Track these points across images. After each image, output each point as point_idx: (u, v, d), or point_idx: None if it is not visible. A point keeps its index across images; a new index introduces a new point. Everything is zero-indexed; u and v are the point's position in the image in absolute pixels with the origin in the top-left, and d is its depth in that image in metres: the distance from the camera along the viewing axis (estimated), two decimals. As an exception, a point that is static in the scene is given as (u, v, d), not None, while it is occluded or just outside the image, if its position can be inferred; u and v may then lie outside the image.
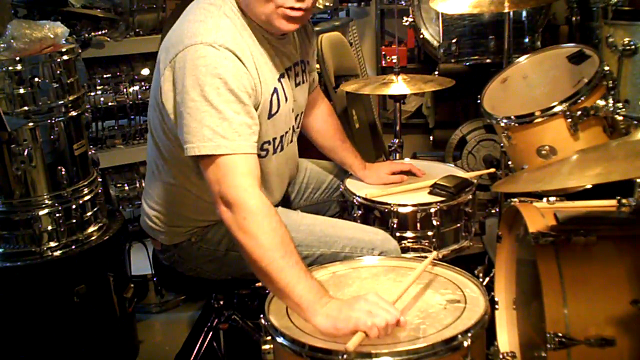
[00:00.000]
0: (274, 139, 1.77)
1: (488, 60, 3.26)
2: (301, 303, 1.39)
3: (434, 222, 1.97)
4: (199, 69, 1.52)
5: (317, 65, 3.46)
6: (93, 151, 2.46)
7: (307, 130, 2.13)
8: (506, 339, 1.86)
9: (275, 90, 1.71)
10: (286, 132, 1.82)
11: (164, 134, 1.71)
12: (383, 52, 4.72)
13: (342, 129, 2.20)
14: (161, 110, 1.65)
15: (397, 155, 2.70)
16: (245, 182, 1.50)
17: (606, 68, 1.87)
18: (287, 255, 1.44)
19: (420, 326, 1.35)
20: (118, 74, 3.08)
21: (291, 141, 1.89)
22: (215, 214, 1.61)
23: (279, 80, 1.73)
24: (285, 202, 2.07)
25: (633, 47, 1.76)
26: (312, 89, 2.07)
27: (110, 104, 3.03)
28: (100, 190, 2.40)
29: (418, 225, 1.98)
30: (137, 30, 3.07)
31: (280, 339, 1.34)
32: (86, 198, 2.29)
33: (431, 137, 4.32)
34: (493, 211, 2.87)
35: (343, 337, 1.32)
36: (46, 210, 2.19)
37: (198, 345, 2.33)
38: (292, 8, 1.61)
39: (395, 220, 1.96)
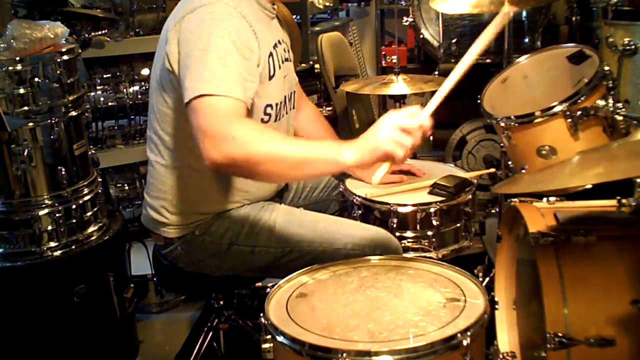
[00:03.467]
0: (277, 104, 1.82)
1: (488, 60, 3.25)
2: (325, 154, 1.48)
3: (434, 222, 1.97)
4: (206, 21, 1.60)
5: (317, 66, 3.47)
6: (93, 151, 2.46)
7: (297, 133, 2.14)
8: (506, 339, 1.86)
9: (271, 54, 1.78)
10: (282, 101, 1.86)
11: (169, 106, 1.76)
12: (383, 52, 4.72)
13: (332, 130, 2.22)
14: (168, 77, 1.70)
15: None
16: (234, 119, 1.52)
17: (606, 68, 1.87)
18: (285, 136, 1.55)
19: (420, 324, 1.35)
20: (118, 74, 3.08)
21: (286, 113, 1.91)
22: (219, 197, 1.63)
23: (274, 47, 1.81)
24: (284, 201, 2.08)
25: (633, 47, 1.77)
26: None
27: (110, 104, 3.02)
28: (100, 190, 2.39)
29: (418, 225, 1.98)
30: (137, 30, 3.07)
31: (280, 338, 1.34)
32: (86, 198, 2.29)
33: (431, 137, 4.31)
34: (493, 211, 2.87)
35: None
36: (46, 210, 2.19)
37: (198, 345, 2.33)
38: None
39: (395, 220, 1.96)
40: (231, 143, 1.47)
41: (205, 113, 1.52)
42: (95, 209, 2.34)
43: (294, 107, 1.98)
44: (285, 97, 1.88)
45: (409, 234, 1.99)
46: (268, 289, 1.51)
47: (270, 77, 1.76)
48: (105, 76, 3.05)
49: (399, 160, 1.48)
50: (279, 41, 1.86)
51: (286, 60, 1.91)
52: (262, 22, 1.76)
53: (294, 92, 1.99)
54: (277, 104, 1.82)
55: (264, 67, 1.73)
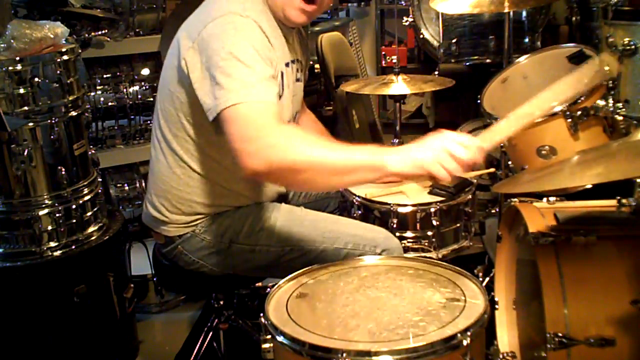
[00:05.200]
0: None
1: (488, 60, 3.25)
2: (369, 161, 1.44)
3: (434, 222, 1.97)
4: (228, 32, 1.59)
5: (317, 66, 3.47)
6: (93, 151, 2.46)
7: None
8: (506, 339, 1.86)
9: (282, 73, 1.76)
10: (289, 121, 1.85)
11: (176, 108, 1.76)
12: (383, 52, 4.73)
13: (328, 133, 2.19)
14: (181, 80, 1.70)
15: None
16: (271, 125, 1.48)
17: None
18: (327, 142, 1.48)
19: (420, 324, 1.35)
20: (118, 74, 3.08)
21: None
22: (217, 198, 1.62)
23: (286, 65, 1.80)
24: (284, 200, 2.08)
25: (633, 47, 1.76)
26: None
27: (110, 104, 3.03)
28: (100, 190, 2.40)
29: (418, 225, 1.98)
30: (137, 30, 3.08)
31: (280, 338, 1.34)
32: (86, 198, 2.29)
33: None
34: (493, 211, 2.87)
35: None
36: (46, 210, 2.19)
37: (198, 345, 2.33)
38: (307, 1, 1.72)
39: (395, 220, 1.96)
40: (272, 150, 1.44)
41: (241, 121, 1.49)
42: (95, 209, 2.34)
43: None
44: (291, 117, 1.87)
45: (409, 234, 1.99)
46: (268, 289, 1.51)
47: (280, 97, 1.73)
48: (105, 76, 3.05)
49: (439, 181, 1.46)
50: (292, 60, 1.85)
51: (297, 80, 1.90)
52: (277, 39, 1.75)
53: (298, 112, 1.97)
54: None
55: (278, 84, 1.71)
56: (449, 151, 1.43)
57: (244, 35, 1.59)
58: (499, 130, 1.57)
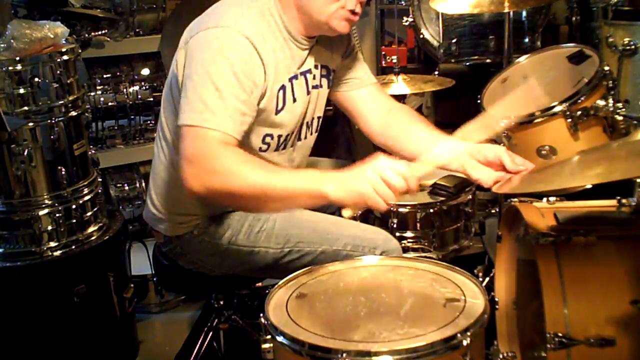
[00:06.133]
0: (279, 136, 1.77)
1: (488, 60, 3.25)
2: (307, 188, 1.45)
3: (434, 222, 1.97)
4: (212, 47, 1.58)
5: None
6: (93, 151, 2.47)
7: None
8: (506, 339, 1.86)
9: (283, 87, 1.73)
10: (291, 133, 1.82)
11: (174, 108, 1.74)
12: (383, 52, 4.71)
13: (425, 121, 1.99)
14: (177, 87, 1.69)
15: (397, 155, 2.69)
16: (218, 152, 1.51)
17: (606, 68, 1.87)
18: (268, 168, 1.51)
19: (420, 324, 1.35)
20: (118, 74, 3.09)
21: (299, 140, 1.87)
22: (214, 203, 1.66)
23: (290, 80, 1.75)
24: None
25: (633, 47, 1.76)
26: (355, 86, 1.99)
27: (110, 104, 3.03)
28: (100, 190, 2.40)
29: (418, 225, 1.98)
30: (137, 30, 3.08)
31: (280, 338, 1.34)
32: (86, 198, 2.30)
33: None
34: (493, 211, 2.87)
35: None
36: (46, 210, 2.19)
37: (198, 345, 2.33)
38: (352, 12, 1.68)
39: (395, 220, 1.96)
40: (212, 176, 1.49)
41: (191, 143, 1.53)
42: (95, 209, 2.34)
43: (316, 132, 1.93)
44: (297, 130, 1.84)
45: (409, 234, 1.99)
46: (268, 289, 1.51)
47: (278, 112, 1.72)
48: (105, 76, 3.06)
49: (377, 210, 1.48)
50: (307, 70, 1.80)
51: (315, 87, 1.85)
52: (282, 53, 1.71)
53: (320, 117, 1.93)
54: (280, 136, 1.77)
55: (271, 100, 1.69)
56: (383, 178, 1.42)
57: (226, 54, 1.56)
58: (430, 160, 1.61)
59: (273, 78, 1.68)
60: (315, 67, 1.84)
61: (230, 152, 1.53)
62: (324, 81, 1.89)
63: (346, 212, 1.46)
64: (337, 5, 1.66)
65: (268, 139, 1.75)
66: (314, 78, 1.84)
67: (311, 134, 1.91)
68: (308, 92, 1.82)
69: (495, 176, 1.63)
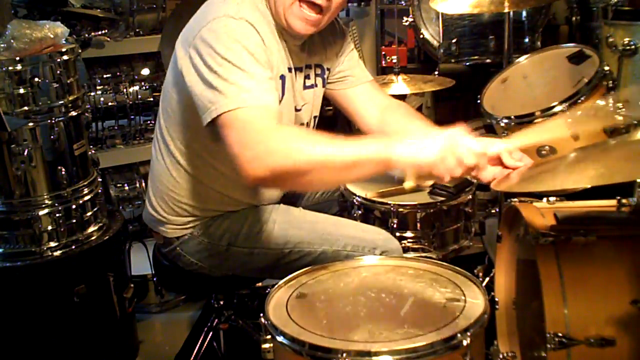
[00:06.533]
0: None
1: (488, 60, 3.25)
2: (376, 153, 1.41)
3: (434, 222, 1.97)
4: (221, 36, 1.56)
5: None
6: (93, 151, 2.47)
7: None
8: (506, 339, 1.86)
9: (283, 77, 1.73)
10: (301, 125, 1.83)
11: (173, 109, 1.75)
12: (383, 52, 4.71)
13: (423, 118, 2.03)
14: (179, 82, 1.68)
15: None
16: (271, 129, 1.46)
17: (606, 68, 1.87)
18: (329, 139, 1.43)
19: (420, 324, 1.35)
20: (118, 74, 3.09)
21: None
22: (212, 203, 1.68)
23: (289, 71, 1.76)
24: (288, 202, 2.08)
25: (633, 47, 1.76)
26: (355, 84, 2.00)
27: (110, 104, 3.03)
28: (100, 190, 2.40)
29: (418, 225, 1.98)
30: (137, 30, 3.08)
31: (280, 338, 1.34)
32: (86, 198, 2.30)
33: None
34: (493, 211, 2.87)
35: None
36: (46, 210, 2.19)
37: (198, 345, 2.34)
38: (310, 3, 1.64)
39: (395, 220, 1.96)
40: (272, 156, 1.42)
41: (239, 127, 1.47)
42: (95, 209, 2.34)
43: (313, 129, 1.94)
44: (299, 123, 1.85)
45: (409, 234, 1.98)
46: (268, 289, 1.51)
47: (279, 101, 1.71)
48: (105, 76, 3.06)
49: (440, 181, 1.47)
50: (303, 67, 1.82)
51: (310, 87, 1.85)
52: (281, 45, 1.73)
53: (316, 116, 1.94)
54: None
55: (277, 85, 1.69)
56: (456, 155, 1.41)
57: (238, 39, 1.56)
58: (511, 139, 1.55)
59: (275, 64, 1.68)
60: (309, 66, 1.85)
61: (283, 128, 1.51)
62: (319, 80, 1.90)
63: (408, 183, 1.44)
64: (298, 1, 1.65)
65: None
66: (308, 77, 1.85)
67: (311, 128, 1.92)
68: (304, 89, 1.83)
69: (493, 172, 1.56)
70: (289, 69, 1.77)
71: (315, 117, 1.93)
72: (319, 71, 1.89)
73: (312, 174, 1.43)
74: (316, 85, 1.89)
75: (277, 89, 1.66)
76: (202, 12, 1.69)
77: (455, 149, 1.41)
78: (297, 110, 1.84)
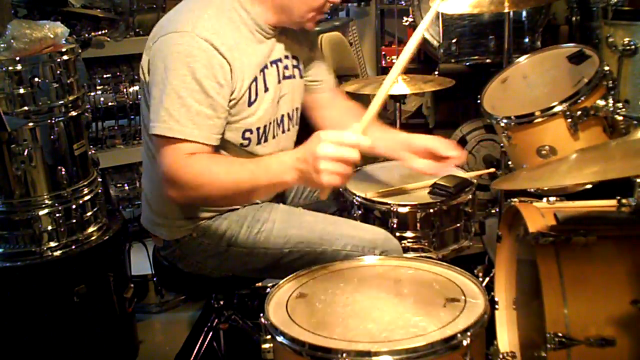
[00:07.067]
0: (257, 129, 1.79)
1: (488, 60, 3.25)
2: (272, 180, 1.54)
3: (434, 222, 1.97)
4: (172, 55, 1.60)
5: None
6: (93, 151, 2.47)
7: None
8: (506, 339, 1.86)
9: (255, 79, 1.75)
10: (270, 124, 1.83)
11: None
12: (383, 52, 4.73)
13: (358, 108, 2.08)
14: (147, 91, 1.72)
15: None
16: (184, 162, 1.59)
17: (606, 68, 1.87)
18: (233, 167, 1.59)
19: (420, 324, 1.35)
20: (118, 74, 3.08)
21: (277, 135, 1.88)
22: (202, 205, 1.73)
23: (261, 71, 1.77)
24: (285, 201, 2.08)
25: (633, 47, 1.76)
26: (320, 88, 2.06)
27: (110, 104, 3.03)
28: (100, 190, 2.40)
29: (418, 225, 1.98)
30: (137, 30, 3.07)
31: (280, 338, 1.34)
32: (86, 198, 2.30)
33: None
34: (493, 211, 2.87)
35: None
36: (46, 210, 2.19)
37: (198, 345, 2.33)
38: (319, 12, 1.76)
39: (395, 220, 1.96)
40: (184, 188, 1.60)
41: (163, 155, 1.61)
42: (95, 209, 2.34)
43: (297, 124, 1.95)
44: (275, 120, 1.85)
45: (409, 234, 1.98)
46: (268, 289, 1.51)
47: (250, 103, 1.74)
48: (105, 76, 3.05)
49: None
50: (277, 60, 1.82)
51: (288, 77, 1.87)
52: (248, 46, 1.72)
53: (298, 108, 1.95)
54: (259, 128, 1.79)
55: (243, 94, 1.71)
56: (331, 157, 1.39)
57: (186, 62, 1.58)
58: (368, 113, 1.53)
59: (242, 73, 1.70)
60: (286, 57, 1.87)
61: (196, 160, 1.59)
62: (296, 71, 1.92)
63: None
64: (316, 12, 1.75)
65: (248, 134, 1.77)
66: (287, 68, 1.87)
67: (293, 126, 1.93)
68: (279, 81, 1.84)
69: (425, 163, 1.91)
70: (265, 67, 1.78)
71: (297, 108, 1.94)
72: (295, 62, 1.91)
73: (221, 199, 1.69)
74: (294, 77, 1.91)
75: (244, 97, 1.71)
76: (167, 18, 1.72)
77: (328, 155, 1.38)
78: (277, 103, 1.86)
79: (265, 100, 1.78)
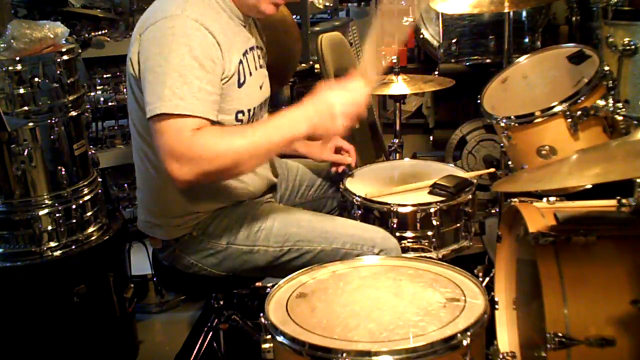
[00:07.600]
0: (248, 110, 1.81)
1: (488, 60, 3.26)
2: (286, 136, 1.61)
3: (434, 222, 1.97)
4: (167, 37, 1.61)
5: (317, 66, 3.47)
6: (93, 151, 2.47)
7: None
8: (506, 339, 1.86)
9: (241, 62, 1.78)
10: (256, 107, 1.85)
11: (140, 108, 1.74)
12: (383, 52, 4.71)
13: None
14: (137, 86, 1.71)
15: (397, 155, 2.70)
16: (195, 136, 1.57)
17: (606, 68, 1.87)
18: (245, 132, 1.61)
19: (420, 324, 1.35)
20: (118, 74, 3.08)
21: (262, 118, 1.91)
22: (205, 199, 1.74)
23: (244, 55, 1.80)
24: (281, 200, 2.09)
25: (633, 47, 1.77)
26: None
27: (110, 104, 3.02)
28: (100, 190, 2.40)
29: (418, 225, 1.98)
30: (137, 30, 3.07)
31: (280, 338, 1.34)
32: (86, 198, 2.29)
33: (431, 137, 4.32)
34: (493, 211, 2.87)
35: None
36: (46, 210, 2.19)
37: (198, 345, 2.33)
38: None
39: (395, 220, 1.96)
40: (200, 162, 1.55)
41: (168, 134, 1.57)
42: (95, 209, 2.34)
43: (266, 112, 1.99)
44: (260, 104, 1.88)
45: (409, 234, 1.98)
46: (268, 289, 1.51)
47: (240, 85, 1.76)
48: (105, 76, 3.05)
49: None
50: (251, 47, 1.85)
51: (260, 67, 1.90)
52: (230, 30, 1.75)
53: (267, 98, 1.98)
54: (249, 110, 1.81)
55: (233, 75, 1.73)
56: (329, 113, 1.60)
57: (182, 41, 1.60)
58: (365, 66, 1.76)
59: (230, 55, 1.72)
60: (258, 47, 1.90)
61: (205, 132, 1.58)
62: (263, 62, 1.96)
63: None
64: None
65: (240, 116, 1.79)
66: (259, 57, 1.91)
67: (265, 113, 1.96)
68: (256, 68, 1.87)
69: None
70: (246, 52, 1.81)
71: (266, 99, 1.97)
72: (261, 53, 1.94)
73: (237, 168, 1.62)
74: (263, 67, 1.94)
75: (234, 77, 1.73)
76: (153, 9, 1.72)
77: (326, 108, 1.60)
78: (260, 88, 1.89)
79: (252, 83, 1.81)
